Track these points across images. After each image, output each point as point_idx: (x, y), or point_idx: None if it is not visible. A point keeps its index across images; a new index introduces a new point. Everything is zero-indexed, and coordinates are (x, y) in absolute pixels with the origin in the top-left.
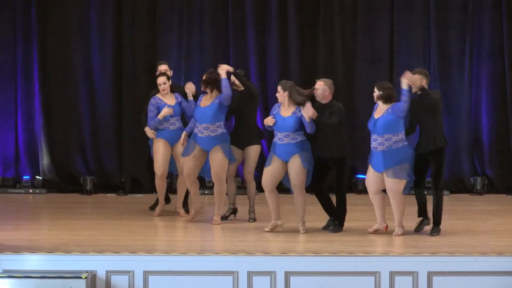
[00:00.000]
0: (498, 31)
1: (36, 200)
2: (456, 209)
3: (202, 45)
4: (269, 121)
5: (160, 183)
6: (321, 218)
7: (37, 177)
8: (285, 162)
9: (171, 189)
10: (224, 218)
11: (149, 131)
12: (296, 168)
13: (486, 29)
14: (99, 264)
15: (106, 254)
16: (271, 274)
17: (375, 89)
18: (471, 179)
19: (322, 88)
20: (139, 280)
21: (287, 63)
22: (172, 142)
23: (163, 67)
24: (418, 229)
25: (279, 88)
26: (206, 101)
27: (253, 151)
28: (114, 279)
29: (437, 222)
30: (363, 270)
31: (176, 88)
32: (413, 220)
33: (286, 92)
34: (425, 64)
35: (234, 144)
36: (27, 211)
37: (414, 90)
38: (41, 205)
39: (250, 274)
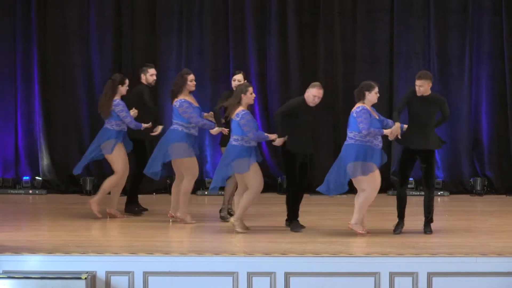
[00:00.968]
0: (497, 33)
1: (36, 200)
2: (456, 209)
3: (202, 47)
4: None
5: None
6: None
7: (37, 178)
8: None
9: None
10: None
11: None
12: None
13: (486, 30)
14: (99, 265)
15: (106, 255)
16: (271, 275)
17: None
18: (471, 180)
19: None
20: (138, 281)
21: (287, 65)
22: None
23: (153, 71)
24: (398, 231)
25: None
26: None
27: None
28: (114, 279)
29: (431, 220)
30: (363, 271)
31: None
32: (412, 221)
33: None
34: (425, 65)
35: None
36: (27, 212)
37: (417, 93)
38: (41, 206)
39: (250, 275)
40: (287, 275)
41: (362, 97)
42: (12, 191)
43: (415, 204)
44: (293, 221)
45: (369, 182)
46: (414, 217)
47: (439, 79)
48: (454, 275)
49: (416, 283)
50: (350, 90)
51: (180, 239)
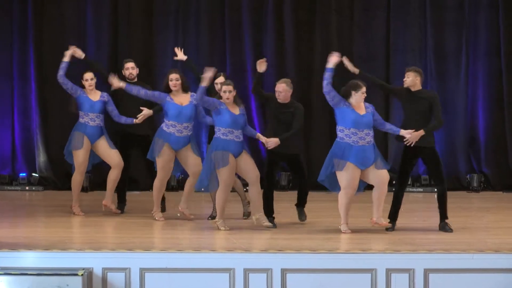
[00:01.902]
0: (494, 30)
1: (33, 197)
2: (453, 206)
3: (198, 44)
4: None
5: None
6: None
7: (33, 174)
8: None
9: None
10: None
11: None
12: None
13: (482, 27)
14: (96, 261)
15: (103, 251)
16: (267, 271)
17: None
18: (468, 176)
19: (285, 90)
20: (135, 277)
21: (284, 62)
22: (92, 139)
23: (130, 65)
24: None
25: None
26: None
27: None
28: (111, 276)
29: (446, 216)
30: (360, 268)
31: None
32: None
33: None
34: (421, 62)
35: None
36: (24, 209)
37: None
38: (37, 203)
39: (247, 271)
40: (284, 272)
41: (348, 96)
42: (8, 188)
43: (411, 201)
44: (269, 218)
45: (340, 180)
46: (411, 214)
47: (436, 76)
48: (451, 272)
49: (413, 280)
50: None
51: (177, 235)
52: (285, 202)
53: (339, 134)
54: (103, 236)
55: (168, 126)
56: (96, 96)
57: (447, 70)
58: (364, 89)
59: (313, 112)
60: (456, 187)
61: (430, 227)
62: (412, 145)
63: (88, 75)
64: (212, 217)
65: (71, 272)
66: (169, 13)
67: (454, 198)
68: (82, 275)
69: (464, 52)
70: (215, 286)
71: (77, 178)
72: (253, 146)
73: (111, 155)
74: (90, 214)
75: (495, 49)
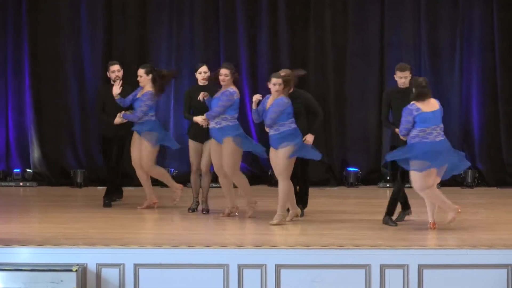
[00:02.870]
0: (488, 25)
1: (27, 193)
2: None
3: (193, 39)
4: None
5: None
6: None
7: (27, 170)
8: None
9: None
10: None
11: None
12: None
13: (477, 23)
14: (90, 257)
15: (97, 247)
16: (261, 267)
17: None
18: (462, 172)
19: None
20: (129, 273)
21: (278, 57)
22: None
23: (115, 67)
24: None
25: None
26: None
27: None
28: (105, 272)
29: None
30: (354, 263)
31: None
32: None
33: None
34: (416, 57)
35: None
36: (18, 204)
37: (400, 85)
38: (31, 198)
39: (241, 267)
40: (278, 267)
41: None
42: (2, 184)
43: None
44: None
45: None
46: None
47: (430, 71)
48: (445, 267)
49: (407, 275)
50: (340, 82)
51: (171, 231)
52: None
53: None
54: (97, 232)
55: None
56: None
57: (441, 65)
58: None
59: None
60: (450, 183)
61: (423, 223)
62: None
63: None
64: (192, 209)
65: (65, 268)
66: (164, 8)
67: (448, 194)
68: (76, 271)
69: (458, 47)
70: (209, 282)
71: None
72: None
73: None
74: (83, 209)
75: (489, 44)
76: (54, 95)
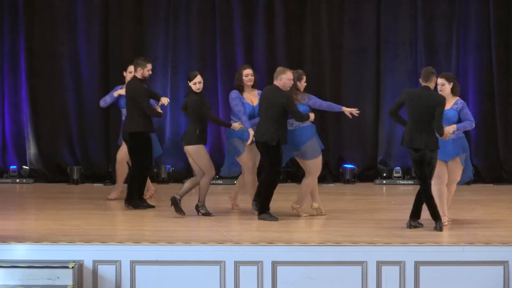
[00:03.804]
0: (485, 22)
1: (23, 190)
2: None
3: (189, 36)
4: None
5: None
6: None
7: (24, 167)
8: None
9: None
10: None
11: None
12: None
13: (473, 20)
14: (86, 254)
15: (93, 244)
16: (258, 264)
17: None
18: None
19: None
20: (126, 270)
21: (274, 54)
22: None
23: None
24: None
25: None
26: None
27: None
28: (101, 268)
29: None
30: (350, 260)
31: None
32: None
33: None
34: (412, 55)
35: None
36: (14, 201)
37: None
38: (28, 195)
39: (237, 264)
40: (274, 264)
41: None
42: None
43: (402, 193)
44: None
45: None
46: (401, 206)
47: None
48: (441, 264)
49: (403, 272)
50: (337, 79)
51: (167, 228)
52: (276, 195)
53: None
54: (93, 228)
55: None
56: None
57: (437, 62)
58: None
59: None
60: None
61: (420, 219)
62: None
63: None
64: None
65: (62, 265)
66: (160, 5)
67: None
68: (72, 267)
69: (454, 44)
70: (205, 279)
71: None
72: None
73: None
74: (80, 206)
75: (485, 41)
76: (51, 91)
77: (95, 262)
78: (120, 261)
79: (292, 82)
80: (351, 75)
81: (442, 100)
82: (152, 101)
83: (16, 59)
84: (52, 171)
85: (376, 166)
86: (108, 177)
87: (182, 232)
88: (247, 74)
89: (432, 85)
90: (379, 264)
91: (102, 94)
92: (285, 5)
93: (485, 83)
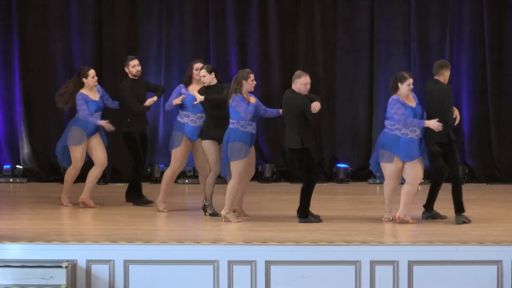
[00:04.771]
0: (478, 21)
1: (17, 189)
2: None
3: (182, 34)
4: None
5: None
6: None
7: (17, 166)
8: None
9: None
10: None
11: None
12: None
13: (466, 19)
14: (80, 253)
15: (87, 243)
16: (251, 263)
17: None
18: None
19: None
20: (119, 269)
21: (267, 52)
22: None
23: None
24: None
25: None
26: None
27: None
28: (95, 268)
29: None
30: (344, 259)
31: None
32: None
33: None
34: (405, 53)
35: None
36: (8, 200)
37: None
38: (21, 195)
39: (231, 263)
40: (268, 264)
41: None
42: None
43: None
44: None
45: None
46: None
47: (420, 67)
48: (435, 264)
49: (397, 272)
50: (330, 78)
51: (161, 227)
52: (269, 194)
53: (389, 126)
54: (87, 228)
55: (182, 117)
56: (96, 94)
57: (431, 61)
58: (410, 80)
59: None
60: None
61: (414, 218)
62: None
63: (93, 72)
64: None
65: (55, 264)
66: (153, 4)
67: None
68: (66, 267)
69: (448, 43)
70: (199, 278)
71: (72, 173)
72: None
73: (99, 153)
74: (73, 206)
75: (479, 40)
76: (44, 90)
77: (89, 262)
78: (113, 260)
79: (309, 87)
80: (344, 74)
81: (446, 90)
82: (150, 94)
83: (9, 58)
84: (45, 171)
85: (369, 165)
86: (101, 177)
87: (175, 231)
88: (197, 68)
89: (442, 78)
90: (373, 263)
91: None
92: (278, 4)
93: (478, 81)
